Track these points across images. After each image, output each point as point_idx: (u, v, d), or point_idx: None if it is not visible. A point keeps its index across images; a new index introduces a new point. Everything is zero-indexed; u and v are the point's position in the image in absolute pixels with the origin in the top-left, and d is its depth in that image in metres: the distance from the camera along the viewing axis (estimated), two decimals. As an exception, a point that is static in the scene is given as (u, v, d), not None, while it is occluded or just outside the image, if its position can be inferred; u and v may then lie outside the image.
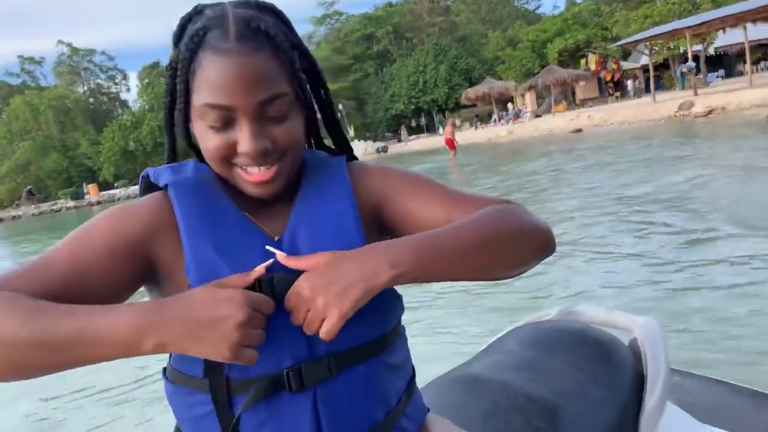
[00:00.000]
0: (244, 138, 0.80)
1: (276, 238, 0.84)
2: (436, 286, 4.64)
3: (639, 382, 1.25)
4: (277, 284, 0.78)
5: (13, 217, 41.04)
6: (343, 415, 0.81)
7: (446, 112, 46.58)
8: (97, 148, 50.15)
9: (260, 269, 0.77)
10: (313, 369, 0.79)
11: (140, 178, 0.93)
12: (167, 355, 0.83)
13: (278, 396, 0.79)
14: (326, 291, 0.72)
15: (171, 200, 0.85)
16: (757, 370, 2.61)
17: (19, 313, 0.69)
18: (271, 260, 0.78)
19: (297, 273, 0.77)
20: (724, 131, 12.21)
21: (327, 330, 0.72)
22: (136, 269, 0.82)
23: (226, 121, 0.80)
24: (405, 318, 0.93)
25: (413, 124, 49.64)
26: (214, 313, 0.69)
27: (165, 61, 0.87)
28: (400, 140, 44.01)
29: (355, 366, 0.81)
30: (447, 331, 3.85)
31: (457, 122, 22.70)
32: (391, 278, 0.74)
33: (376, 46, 53.99)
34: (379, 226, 0.92)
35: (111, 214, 0.84)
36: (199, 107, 0.81)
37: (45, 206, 42.12)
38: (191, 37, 0.80)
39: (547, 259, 0.89)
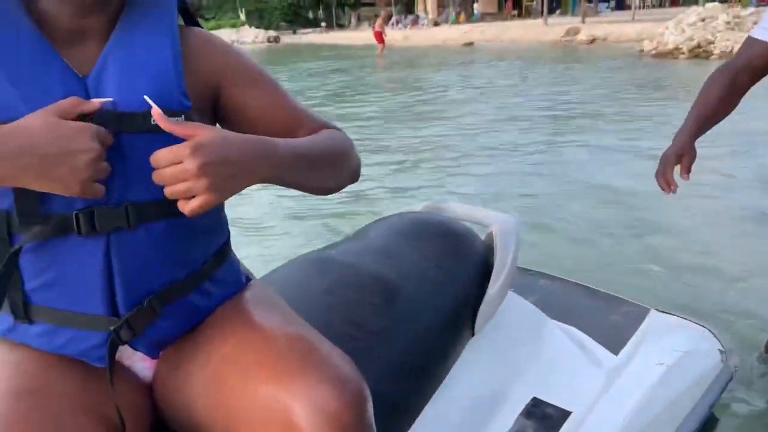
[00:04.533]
0: None
1: (81, 76, 0.77)
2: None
3: (486, 272, 1.32)
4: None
5: None
6: (138, 267, 0.79)
7: (346, 8, 44.74)
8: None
9: (97, 103, 0.73)
10: (109, 215, 0.75)
11: None
12: None
13: (66, 238, 0.75)
14: (215, 174, 0.69)
15: None
16: (615, 278, 2.66)
17: None
18: (108, 99, 0.74)
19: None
20: (599, 61, 12.60)
21: (197, 208, 0.70)
22: None
23: None
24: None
25: (310, 16, 47.34)
26: (64, 146, 0.67)
27: None
28: (294, 32, 41.95)
29: (156, 220, 0.79)
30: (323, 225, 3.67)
31: (385, 16, 21.61)
32: (266, 178, 0.76)
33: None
34: (211, 105, 0.88)
35: None
36: None
37: None
38: None
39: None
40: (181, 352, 0.85)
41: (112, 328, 0.78)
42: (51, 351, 0.81)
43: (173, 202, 0.73)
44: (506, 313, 1.34)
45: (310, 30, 43.19)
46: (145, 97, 0.74)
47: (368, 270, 1.22)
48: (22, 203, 0.73)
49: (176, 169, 0.69)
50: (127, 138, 0.76)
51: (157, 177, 0.71)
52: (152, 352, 0.86)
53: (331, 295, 1.15)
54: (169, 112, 0.76)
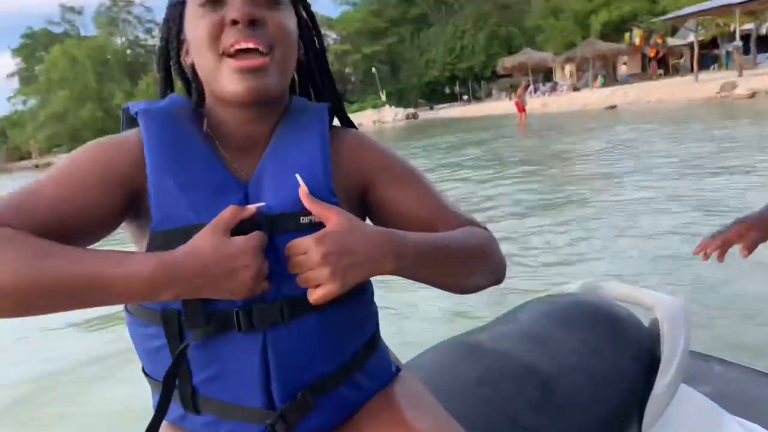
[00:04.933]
0: (233, 5, 0.81)
1: (243, 181, 0.84)
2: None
3: (652, 362, 1.22)
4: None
5: (48, 164, 42.08)
6: (292, 361, 0.81)
7: (482, 81, 45.62)
8: (132, 100, 50.09)
9: (253, 209, 0.78)
10: (266, 311, 0.79)
11: (122, 110, 0.92)
12: None
13: (227, 334, 0.79)
14: (337, 262, 0.72)
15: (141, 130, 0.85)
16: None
17: (26, 252, 0.68)
18: (262, 204, 0.80)
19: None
20: (764, 116, 11.50)
21: (320, 297, 0.73)
22: (125, 200, 0.82)
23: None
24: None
25: (447, 91, 48.81)
26: (232, 265, 0.72)
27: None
28: (431, 108, 43.39)
29: (309, 314, 0.81)
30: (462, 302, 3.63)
31: (524, 85, 21.80)
32: (394, 270, 0.77)
33: (413, 9, 52.69)
34: (359, 201, 0.92)
35: (100, 146, 0.85)
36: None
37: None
38: None
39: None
40: None
41: (268, 422, 0.81)
42: None
43: None
44: (678, 408, 1.21)
45: (447, 105, 44.44)
46: (297, 175, 0.82)
47: (522, 359, 1.16)
48: (189, 306, 0.78)
49: (303, 258, 0.74)
50: (280, 238, 0.80)
51: (289, 266, 0.76)
52: None
53: (485, 386, 1.10)
54: None
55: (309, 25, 0.95)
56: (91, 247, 0.79)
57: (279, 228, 0.81)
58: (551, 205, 6.39)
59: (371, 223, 0.85)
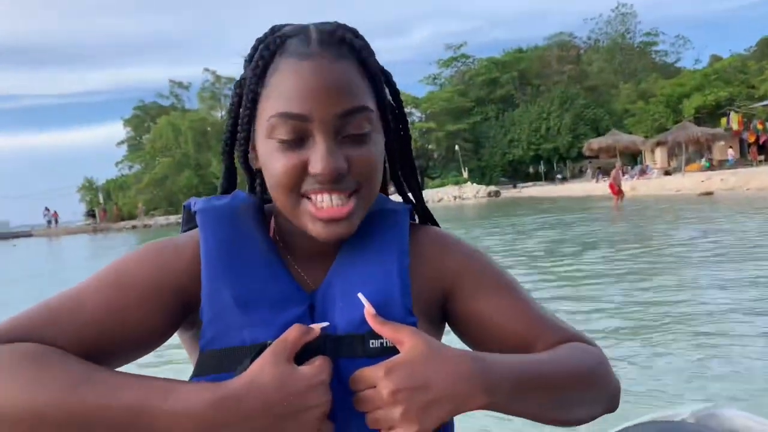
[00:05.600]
0: (317, 155, 0.69)
1: (308, 292, 0.74)
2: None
3: None
4: (329, 345, 0.69)
5: (144, 225, 44.74)
6: None
7: (567, 162, 45.04)
8: (226, 168, 53.32)
9: (317, 329, 0.68)
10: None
11: (183, 208, 0.83)
12: None
13: None
14: (409, 400, 0.61)
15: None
16: None
17: (55, 377, 0.59)
18: (325, 324, 0.69)
19: (348, 337, 0.70)
20: None
21: None
22: (179, 311, 0.73)
23: (299, 136, 0.70)
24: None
25: (530, 170, 48.47)
26: (299, 403, 0.61)
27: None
28: (514, 186, 43.08)
29: None
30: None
31: (620, 166, 21.02)
32: (482, 406, 0.64)
33: (499, 90, 53.56)
34: (441, 312, 0.81)
35: (154, 250, 0.76)
36: (269, 120, 0.70)
37: (173, 218, 45.58)
38: (267, 45, 0.72)
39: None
40: None
41: None
42: None
43: None
44: None
45: (530, 183, 44.02)
46: (359, 295, 0.70)
47: None
48: None
49: (370, 393, 0.63)
50: (346, 364, 0.69)
51: (355, 402, 0.65)
52: None
53: None
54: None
55: (396, 114, 0.83)
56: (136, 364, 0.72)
57: (344, 352, 0.70)
58: (654, 303, 5.89)
59: (453, 345, 0.70)
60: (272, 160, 0.72)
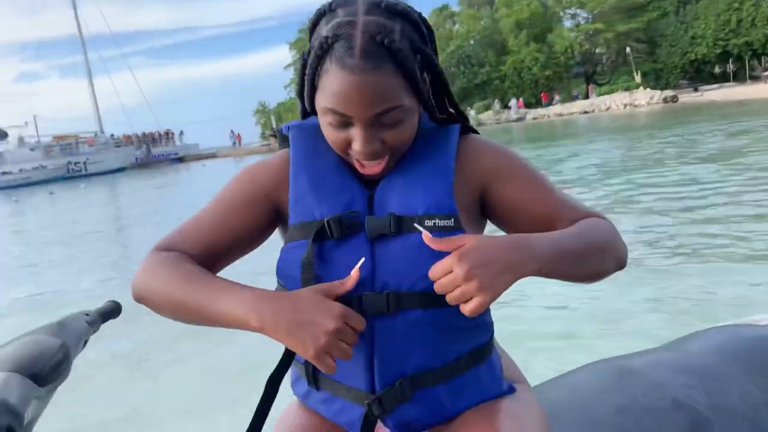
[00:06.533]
0: (357, 141, 0.89)
1: (370, 192, 0.95)
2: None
3: None
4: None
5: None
6: (394, 350, 0.89)
7: (762, 58, 39.17)
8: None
9: (356, 273, 0.86)
10: (372, 300, 0.88)
11: (278, 132, 1.07)
12: None
13: None
14: (481, 275, 0.77)
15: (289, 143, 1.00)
16: None
17: (181, 276, 0.90)
18: (361, 261, 0.87)
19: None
20: None
21: (474, 309, 0.78)
22: (272, 215, 0.99)
23: (344, 124, 0.89)
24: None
25: (716, 70, 42.97)
26: (312, 317, 0.80)
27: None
28: (696, 89, 38.63)
29: (413, 309, 0.88)
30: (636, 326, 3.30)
31: None
32: (534, 271, 0.82)
33: (681, -21, 47.14)
34: (480, 203, 0.99)
35: (248, 171, 1.02)
36: (321, 106, 0.90)
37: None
38: (320, 44, 0.87)
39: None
40: None
41: (367, 402, 0.90)
42: (328, 417, 0.97)
43: (431, 296, 0.84)
44: None
45: (716, 86, 39.16)
46: (416, 224, 0.88)
47: (675, 393, 1.04)
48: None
49: (449, 278, 0.79)
50: (404, 238, 0.90)
51: (437, 288, 0.81)
52: None
53: (623, 416, 1.02)
54: (440, 216, 0.90)
55: (436, 73, 0.95)
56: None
57: (405, 229, 0.90)
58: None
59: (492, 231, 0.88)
60: (325, 130, 0.93)
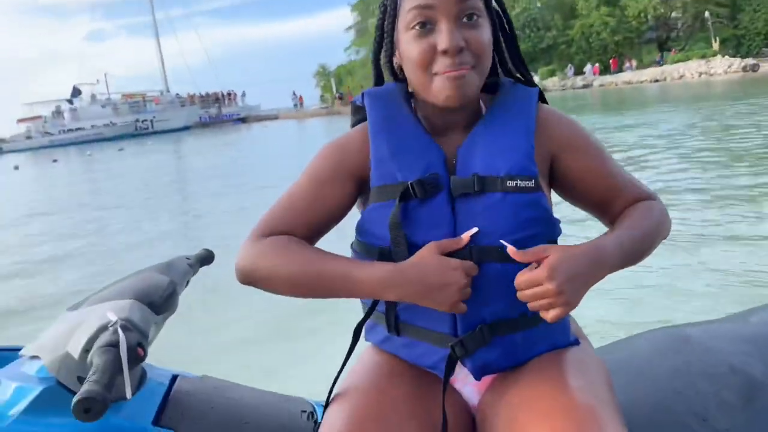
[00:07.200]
0: (443, 36, 0.94)
1: (448, 155, 1.00)
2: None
3: None
4: (474, 252, 0.94)
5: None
6: (476, 298, 0.94)
7: None
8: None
9: (467, 237, 0.94)
10: (457, 254, 0.93)
11: (351, 104, 1.14)
12: None
13: None
14: (570, 290, 0.87)
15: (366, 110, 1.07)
16: None
17: (299, 258, 0.98)
18: (474, 230, 0.94)
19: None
20: None
21: (556, 317, 0.87)
22: (355, 187, 1.06)
23: (429, 21, 0.95)
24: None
25: (804, 38, 40.00)
26: (443, 279, 0.89)
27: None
28: (780, 58, 36.16)
29: (494, 263, 0.95)
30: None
31: None
32: (603, 276, 0.93)
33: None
34: (549, 170, 1.05)
35: (331, 147, 1.08)
36: (406, 15, 0.97)
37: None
38: None
39: None
40: (502, 385, 0.98)
41: (450, 344, 0.97)
42: (410, 360, 1.04)
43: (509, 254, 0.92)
44: None
45: (801, 54, 36.58)
46: (502, 241, 0.94)
47: (730, 359, 1.08)
48: (397, 251, 0.97)
49: (538, 290, 0.87)
50: (487, 198, 0.97)
51: (521, 297, 0.89)
52: (476, 373, 1.00)
53: (679, 380, 1.06)
54: (522, 177, 0.95)
55: (502, 17, 1.06)
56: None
57: (488, 189, 0.96)
58: None
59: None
60: (410, 49, 0.98)
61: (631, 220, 1.01)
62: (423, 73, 0.97)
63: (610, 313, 3.23)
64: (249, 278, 1.01)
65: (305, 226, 1.04)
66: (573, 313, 1.10)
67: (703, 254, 4.02)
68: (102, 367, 0.84)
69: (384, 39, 1.05)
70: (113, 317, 0.93)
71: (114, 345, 0.88)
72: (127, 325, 0.92)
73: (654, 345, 1.18)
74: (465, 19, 0.96)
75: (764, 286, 3.40)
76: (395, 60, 1.07)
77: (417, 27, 0.96)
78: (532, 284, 0.88)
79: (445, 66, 0.95)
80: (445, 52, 0.94)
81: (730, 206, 5.41)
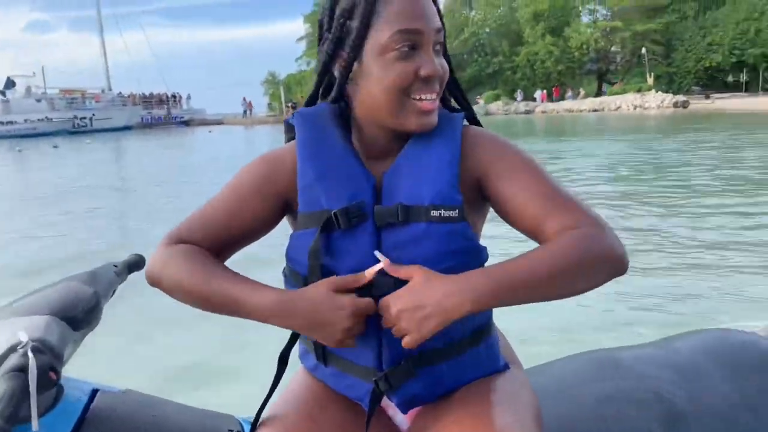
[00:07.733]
0: (428, 63, 0.94)
1: (376, 179, 0.97)
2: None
3: None
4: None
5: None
6: None
7: (777, 71, 38.86)
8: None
9: (370, 274, 0.92)
10: (382, 283, 0.92)
11: (284, 123, 1.08)
12: None
13: None
14: (409, 317, 0.85)
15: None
16: None
17: (199, 275, 0.94)
18: (379, 265, 0.92)
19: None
20: None
21: (406, 344, 0.87)
22: (280, 206, 1.02)
23: (410, 48, 0.93)
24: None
25: (730, 79, 42.72)
26: (328, 318, 0.88)
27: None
28: (707, 97, 38.44)
29: None
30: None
31: None
32: (468, 312, 0.85)
33: (704, -16, 46.57)
34: (478, 191, 1.00)
35: (259, 162, 1.03)
36: (386, 39, 0.92)
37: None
38: None
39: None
40: (430, 414, 0.98)
41: (374, 379, 0.96)
42: (339, 390, 1.03)
43: None
44: None
45: (727, 95, 38.96)
46: (376, 252, 0.93)
47: (658, 388, 1.10)
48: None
49: (386, 314, 0.89)
50: (414, 227, 0.94)
51: (383, 322, 0.90)
52: (403, 408, 1.00)
53: (606, 405, 1.08)
54: (446, 207, 0.93)
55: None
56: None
57: (412, 218, 0.94)
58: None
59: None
60: (389, 71, 0.93)
61: (541, 250, 0.89)
62: (397, 96, 0.94)
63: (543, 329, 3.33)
64: (156, 285, 0.99)
65: (218, 239, 1.00)
66: (507, 332, 1.10)
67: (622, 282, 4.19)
68: (7, 395, 0.77)
69: (344, 55, 0.97)
70: (24, 337, 0.85)
71: (22, 369, 0.80)
72: (40, 347, 0.85)
73: (582, 369, 1.19)
74: (438, 47, 0.97)
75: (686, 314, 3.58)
76: (352, 76, 0.99)
77: (403, 49, 0.92)
78: (382, 309, 0.89)
79: (423, 92, 0.94)
80: (427, 78, 0.94)
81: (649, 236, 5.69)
